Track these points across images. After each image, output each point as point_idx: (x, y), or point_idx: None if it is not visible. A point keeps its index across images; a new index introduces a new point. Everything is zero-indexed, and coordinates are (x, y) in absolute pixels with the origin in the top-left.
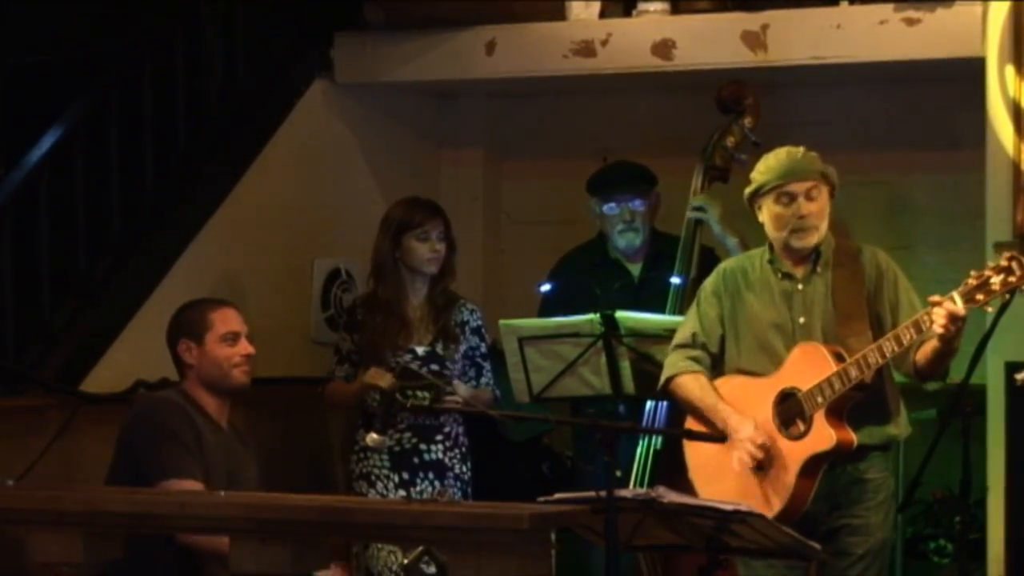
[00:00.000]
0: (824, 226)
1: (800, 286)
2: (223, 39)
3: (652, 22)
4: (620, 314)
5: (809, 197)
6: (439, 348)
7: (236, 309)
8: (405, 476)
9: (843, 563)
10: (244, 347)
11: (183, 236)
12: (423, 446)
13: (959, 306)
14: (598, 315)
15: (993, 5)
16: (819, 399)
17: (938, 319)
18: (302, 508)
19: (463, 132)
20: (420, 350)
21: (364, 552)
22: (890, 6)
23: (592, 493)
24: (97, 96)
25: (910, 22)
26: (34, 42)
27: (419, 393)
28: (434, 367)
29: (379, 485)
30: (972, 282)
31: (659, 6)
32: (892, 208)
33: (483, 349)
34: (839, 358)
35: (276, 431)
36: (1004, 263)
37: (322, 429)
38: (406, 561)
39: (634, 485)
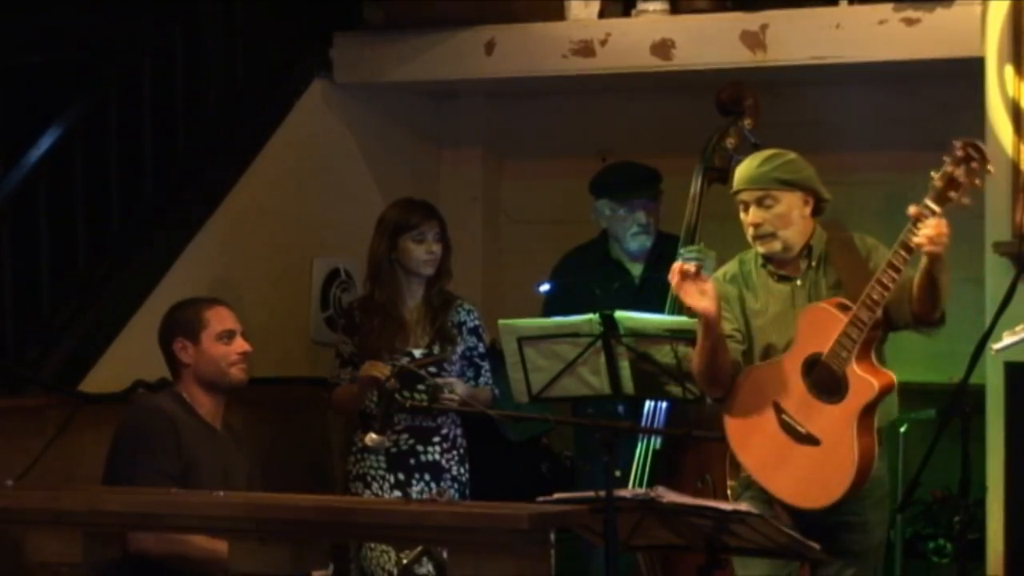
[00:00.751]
0: (790, 232)
1: (799, 282)
2: (222, 39)
3: (651, 22)
4: (619, 314)
5: (762, 205)
6: (436, 350)
7: (229, 307)
8: (401, 477)
9: (840, 561)
10: (240, 345)
11: (182, 236)
12: (420, 447)
13: (936, 209)
14: (597, 315)
15: (992, 5)
16: (843, 354)
17: (923, 235)
18: (301, 508)
19: (462, 132)
20: (417, 352)
21: (358, 553)
22: (889, 6)
23: (591, 493)
24: (96, 96)
25: (909, 22)
26: (33, 42)
27: (417, 395)
28: (431, 368)
29: (375, 486)
30: (938, 184)
31: (658, 6)
32: (891, 208)
33: (481, 349)
34: (844, 308)
35: (275, 431)
36: (960, 154)
37: (321, 429)
38: (404, 561)
39: (633, 485)
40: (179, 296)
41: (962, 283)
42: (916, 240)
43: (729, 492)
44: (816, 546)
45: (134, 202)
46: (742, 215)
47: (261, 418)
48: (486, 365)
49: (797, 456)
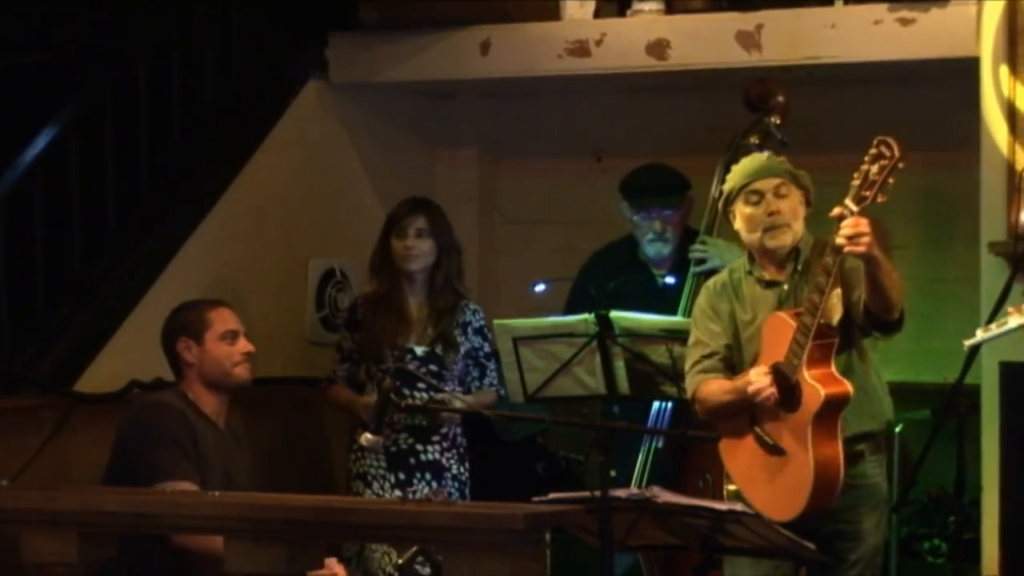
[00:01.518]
0: (798, 226)
1: (785, 287)
2: (218, 39)
3: (646, 22)
4: (614, 314)
5: (778, 194)
6: (438, 350)
7: (231, 309)
8: (401, 476)
9: (836, 570)
10: (244, 345)
11: (178, 236)
12: (420, 446)
13: (854, 208)
14: (592, 315)
15: (987, 5)
16: (794, 361)
17: (840, 237)
18: (297, 508)
19: (458, 132)
20: (419, 350)
21: (361, 554)
22: (884, 6)
23: (587, 493)
24: (92, 95)
25: (904, 22)
26: (28, 41)
27: (415, 394)
28: (432, 367)
29: (375, 485)
30: (856, 183)
31: (653, 6)
32: (886, 208)
33: (487, 349)
34: (798, 315)
35: (272, 431)
36: (874, 150)
37: (319, 429)
38: (400, 561)
39: (635, 485)
40: (174, 297)
41: (958, 283)
42: (837, 241)
43: (725, 494)
44: (812, 547)
45: (129, 202)
46: (748, 209)
47: (256, 418)
48: (491, 365)
49: (770, 468)
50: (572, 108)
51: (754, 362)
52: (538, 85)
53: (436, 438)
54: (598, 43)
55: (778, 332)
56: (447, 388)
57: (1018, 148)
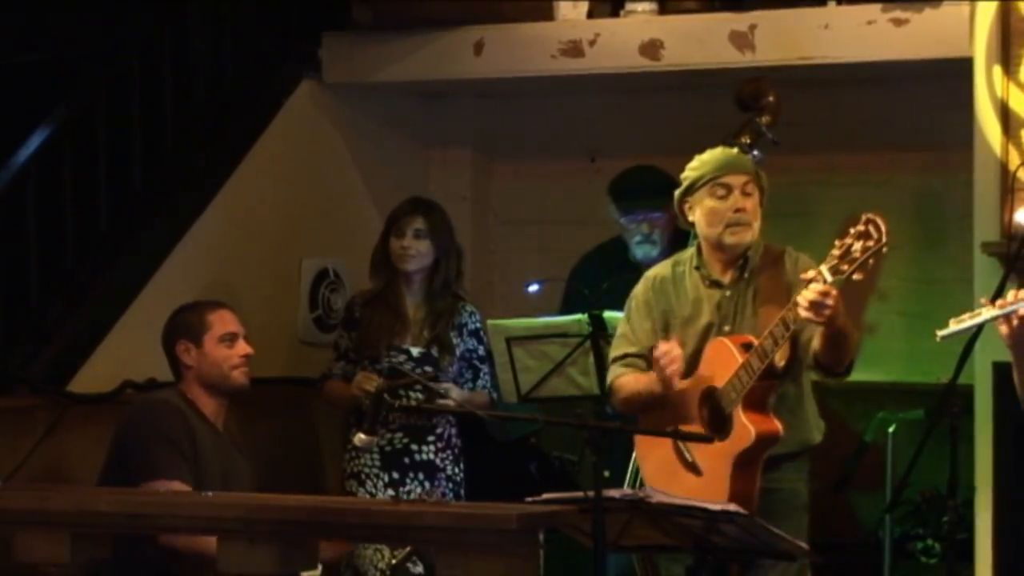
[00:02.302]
0: (757, 227)
1: (728, 292)
2: (211, 39)
3: (640, 22)
4: (608, 314)
5: (745, 192)
6: (434, 351)
7: (232, 311)
8: (395, 476)
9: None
10: (243, 348)
11: (171, 236)
12: (414, 446)
13: (828, 278)
14: (586, 315)
15: (980, 5)
16: (732, 395)
17: (803, 298)
18: (290, 508)
19: (451, 132)
20: (415, 351)
21: (351, 553)
22: (878, 6)
23: (580, 493)
24: (85, 96)
25: (898, 22)
26: (21, 41)
27: (410, 394)
28: (428, 368)
29: (368, 484)
30: (835, 252)
31: (647, 6)
32: (880, 208)
33: (481, 351)
34: (746, 349)
35: (265, 431)
36: (862, 227)
37: (312, 430)
38: (393, 561)
39: (627, 486)
40: (168, 297)
41: (951, 283)
42: (800, 304)
43: None
44: (806, 546)
45: (122, 202)
46: (712, 203)
47: (250, 418)
48: (485, 368)
49: (681, 480)
50: (566, 108)
51: (688, 361)
52: (532, 85)
53: (431, 438)
54: (591, 43)
55: (720, 358)
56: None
57: (1011, 148)
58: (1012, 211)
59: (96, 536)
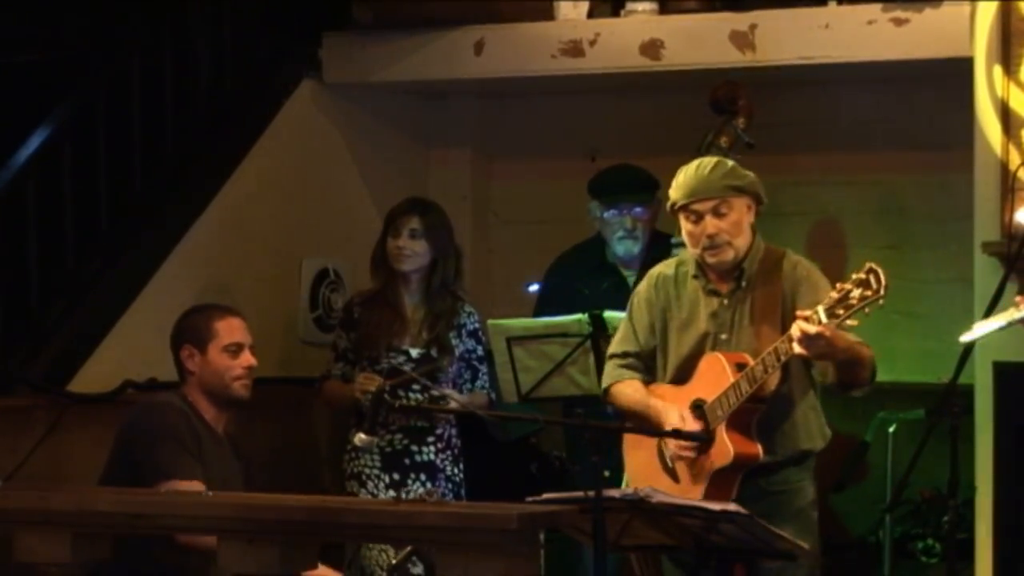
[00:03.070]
0: (741, 241)
1: (725, 302)
2: (211, 39)
3: (640, 22)
4: (608, 314)
5: (717, 213)
6: (433, 352)
7: (242, 319)
8: (396, 477)
9: None
10: (247, 359)
11: (171, 236)
12: (415, 447)
13: (823, 320)
14: (586, 315)
15: (981, 5)
16: (719, 412)
17: (794, 332)
18: (290, 508)
19: (451, 132)
20: (414, 352)
21: (357, 553)
22: (878, 6)
23: (580, 493)
24: (85, 96)
25: (898, 22)
26: (21, 41)
27: (410, 394)
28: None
29: (369, 485)
30: (834, 295)
31: (647, 6)
32: (880, 208)
33: (480, 352)
34: (739, 368)
35: (264, 431)
36: (863, 275)
37: (310, 430)
38: (394, 561)
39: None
40: (168, 297)
41: (951, 283)
42: (794, 338)
43: None
44: (806, 546)
45: (123, 202)
46: (688, 227)
47: (249, 418)
48: (484, 368)
49: (659, 484)
50: (566, 108)
51: (681, 365)
52: (532, 85)
53: (431, 439)
54: (592, 43)
55: (713, 374)
56: (441, 389)
57: (1011, 148)
58: (1012, 211)
59: (96, 536)
